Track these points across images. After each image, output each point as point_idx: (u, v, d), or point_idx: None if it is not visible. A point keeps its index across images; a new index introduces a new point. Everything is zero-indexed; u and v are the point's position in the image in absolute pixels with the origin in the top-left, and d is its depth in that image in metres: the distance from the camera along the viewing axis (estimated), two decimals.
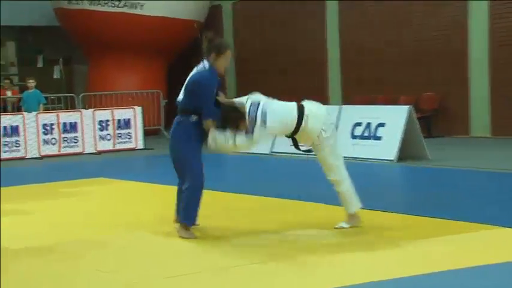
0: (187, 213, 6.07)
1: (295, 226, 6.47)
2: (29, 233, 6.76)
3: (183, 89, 6.11)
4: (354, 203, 6.28)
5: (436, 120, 15.54)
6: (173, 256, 5.64)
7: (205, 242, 6.00)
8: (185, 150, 5.99)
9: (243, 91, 19.51)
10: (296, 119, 6.04)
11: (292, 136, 6.19)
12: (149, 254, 5.72)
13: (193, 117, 5.97)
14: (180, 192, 6.24)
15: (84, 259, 5.63)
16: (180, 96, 6.11)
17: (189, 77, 6.11)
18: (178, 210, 6.25)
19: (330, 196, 6.74)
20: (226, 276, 4.96)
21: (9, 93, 16.36)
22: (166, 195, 8.93)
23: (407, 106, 11.67)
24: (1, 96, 16.76)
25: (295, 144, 6.32)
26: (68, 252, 5.89)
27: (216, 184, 7.99)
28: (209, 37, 6.05)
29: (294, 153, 7.29)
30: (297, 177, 10.24)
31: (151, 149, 15.13)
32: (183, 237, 6.05)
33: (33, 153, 14.20)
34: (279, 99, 6.27)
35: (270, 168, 11.64)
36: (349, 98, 16.86)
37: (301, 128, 6.05)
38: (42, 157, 14.19)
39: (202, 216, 6.30)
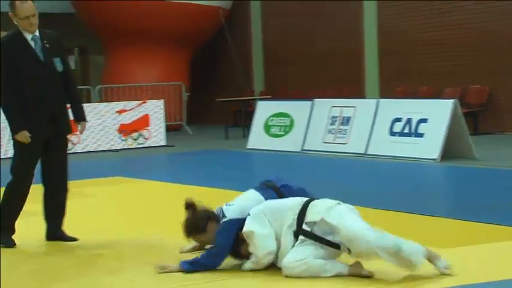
0: None
1: None
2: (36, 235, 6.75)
3: None
4: None
5: (484, 115, 15.33)
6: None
7: None
8: None
9: (271, 82, 19.54)
10: None
11: None
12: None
13: None
14: None
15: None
16: None
17: None
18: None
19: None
20: None
21: None
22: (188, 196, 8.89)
23: (452, 100, 11.54)
24: None
25: None
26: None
27: None
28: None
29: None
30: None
31: (173, 146, 15.13)
32: None
33: None
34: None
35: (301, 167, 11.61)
36: (388, 90, 16.71)
37: None
38: None
39: None
